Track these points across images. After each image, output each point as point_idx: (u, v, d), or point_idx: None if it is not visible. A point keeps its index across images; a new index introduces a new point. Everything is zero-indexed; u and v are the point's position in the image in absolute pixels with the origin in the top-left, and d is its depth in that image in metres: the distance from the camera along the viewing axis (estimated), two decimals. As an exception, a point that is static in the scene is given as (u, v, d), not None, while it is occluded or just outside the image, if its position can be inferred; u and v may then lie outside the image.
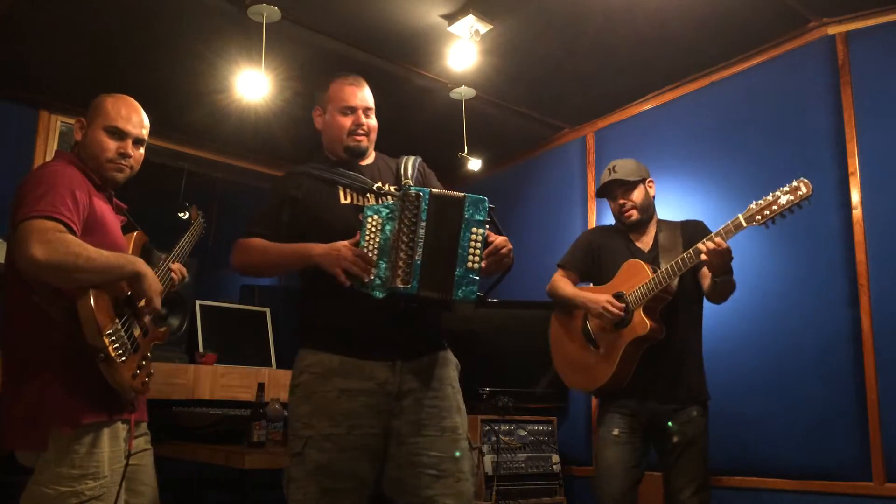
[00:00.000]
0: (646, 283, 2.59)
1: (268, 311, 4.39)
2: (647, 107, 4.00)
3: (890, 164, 3.02)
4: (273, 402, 3.10)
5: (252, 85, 3.34)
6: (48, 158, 3.89)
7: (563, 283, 2.86)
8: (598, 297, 2.69)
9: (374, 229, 1.93)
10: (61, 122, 3.99)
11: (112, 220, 2.05)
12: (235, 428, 3.13)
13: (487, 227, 1.93)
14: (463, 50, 3.31)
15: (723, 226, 2.44)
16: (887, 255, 2.98)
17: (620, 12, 3.15)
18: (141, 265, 1.91)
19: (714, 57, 3.58)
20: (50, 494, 1.77)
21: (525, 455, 3.70)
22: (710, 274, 2.58)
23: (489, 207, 1.93)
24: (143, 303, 1.96)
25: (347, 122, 2.15)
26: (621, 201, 2.79)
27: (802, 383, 3.09)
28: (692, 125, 3.74)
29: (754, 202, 2.38)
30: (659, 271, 2.57)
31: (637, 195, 2.78)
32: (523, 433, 3.75)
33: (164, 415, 3.27)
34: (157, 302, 1.95)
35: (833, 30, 3.25)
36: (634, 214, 2.76)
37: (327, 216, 2.05)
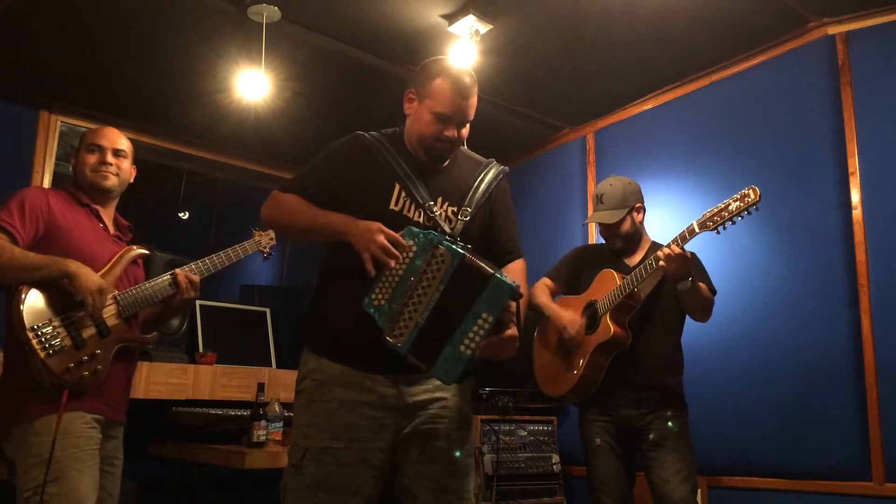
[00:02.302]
0: (613, 290, 2.64)
1: (268, 311, 4.39)
2: (647, 107, 4.00)
3: (890, 164, 3.02)
4: (273, 402, 3.10)
5: (252, 85, 3.34)
6: (48, 158, 3.90)
7: (540, 292, 2.90)
8: (565, 313, 2.75)
9: (405, 253, 1.80)
10: (61, 122, 3.99)
11: (86, 232, 2.22)
12: (235, 428, 3.13)
13: (503, 314, 1.74)
14: (463, 50, 3.31)
15: (678, 233, 2.48)
16: (887, 255, 2.98)
17: (620, 12, 3.15)
18: (69, 265, 2.05)
19: (714, 57, 3.58)
20: (21, 483, 2.01)
21: (525, 455, 3.70)
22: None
23: (513, 295, 1.73)
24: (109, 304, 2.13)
25: (437, 129, 1.93)
26: (605, 233, 2.83)
27: (802, 383, 3.09)
28: (692, 125, 3.74)
29: (708, 210, 2.45)
30: (625, 278, 2.62)
31: (625, 227, 2.78)
32: (523, 433, 3.75)
33: (164, 415, 3.27)
34: (88, 300, 2.05)
35: (833, 30, 3.25)
36: (618, 243, 2.81)
37: (373, 214, 1.88)
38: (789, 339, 3.16)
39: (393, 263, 1.77)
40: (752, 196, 2.37)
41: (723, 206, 2.42)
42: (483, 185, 2.03)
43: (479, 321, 1.71)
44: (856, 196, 3.09)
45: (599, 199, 2.81)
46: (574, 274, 2.91)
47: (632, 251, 2.82)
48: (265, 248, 2.63)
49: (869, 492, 2.90)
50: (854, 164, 3.11)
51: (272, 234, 2.64)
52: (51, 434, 1.98)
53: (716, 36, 3.36)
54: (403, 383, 1.88)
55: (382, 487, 1.89)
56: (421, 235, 1.81)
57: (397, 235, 1.79)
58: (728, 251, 3.42)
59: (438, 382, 1.91)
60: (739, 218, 2.39)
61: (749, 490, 3.23)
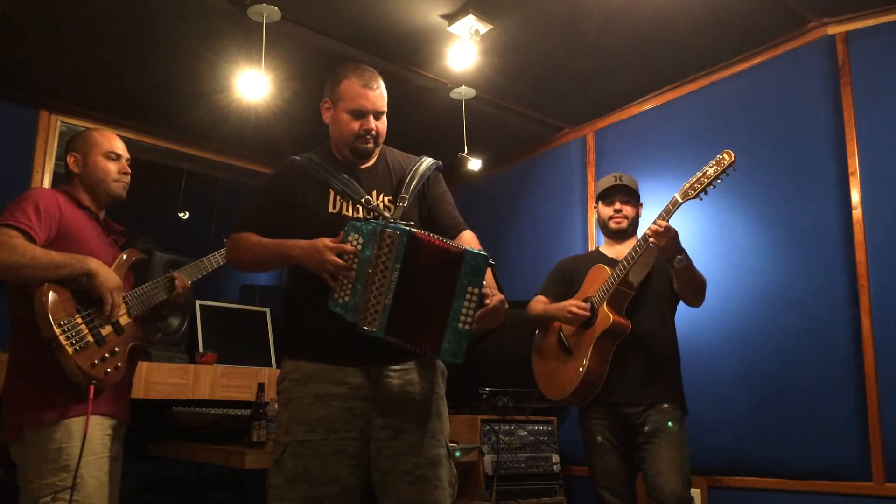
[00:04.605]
0: (607, 280, 2.69)
1: (268, 311, 4.38)
2: (647, 107, 4.00)
3: (890, 164, 3.02)
4: (273, 402, 3.10)
5: (252, 85, 3.34)
6: (48, 158, 3.90)
7: (535, 304, 2.95)
8: (564, 303, 2.79)
9: (353, 248, 1.90)
10: (61, 122, 3.98)
11: (92, 235, 2.25)
12: (235, 428, 3.13)
13: (485, 284, 1.84)
14: (463, 50, 3.31)
15: (663, 208, 2.56)
16: (887, 255, 2.98)
17: (620, 12, 3.15)
18: (91, 263, 2.08)
19: (714, 57, 3.58)
20: (32, 487, 2.00)
21: (525, 455, 3.70)
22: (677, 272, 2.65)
23: (487, 262, 1.84)
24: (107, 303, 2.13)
25: (356, 125, 2.08)
26: (618, 206, 2.88)
27: (802, 383, 3.09)
28: (692, 125, 3.74)
29: (686, 181, 2.55)
30: (618, 264, 2.67)
31: (632, 210, 2.91)
32: (523, 433, 3.75)
33: (164, 415, 3.27)
34: (108, 297, 2.09)
35: (833, 30, 3.25)
36: (624, 223, 2.88)
37: (315, 221, 2.02)
38: (789, 338, 3.16)
39: (344, 273, 1.88)
40: (728, 158, 2.48)
41: (700, 173, 2.52)
42: (417, 175, 2.14)
43: (468, 296, 1.83)
44: (856, 196, 3.09)
45: (618, 178, 2.90)
46: (563, 283, 2.95)
47: (620, 246, 2.88)
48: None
49: (869, 492, 2.90)
50: (854, 164, 3.11)
51: None
52: (70, 440, 2.00)
53: (716, 36, 3.36)
54: (375, 374, 1.97)
55: (363, 480, 1.97)
56: (364, 227, 1.90)
57: (343, 245, 1.88)
58: (728, 251, 3.43)
59: (409, 376, 2.01)
60: (718, 181, 2.49)
61: (749, 490, 3.22)
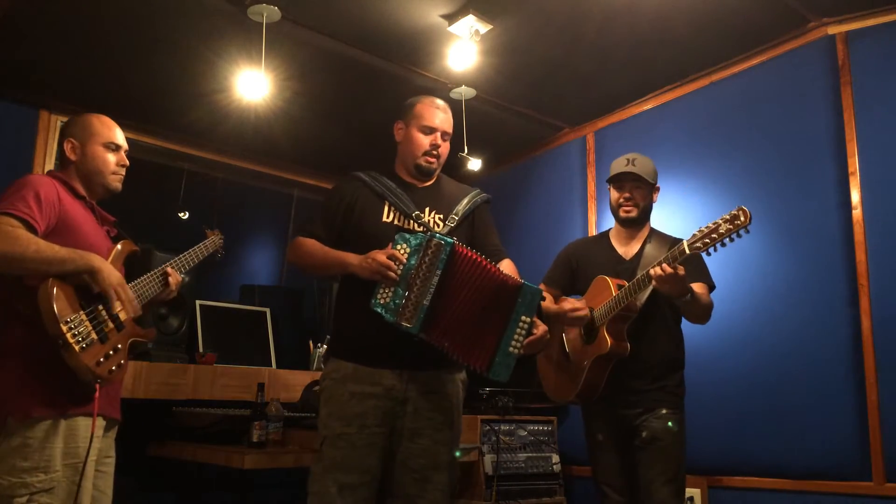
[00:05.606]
0: (608, 301, 2.60)
1: (268, 311, 4.38)
2: (647, 107, 4.00)
3: (890, 164, 3.02)
4: (273, 402, 3.10)
5: (252, 85, 3.34)
6: (48, 158, 3.90)
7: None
8: (565, 303, 2.73)
9: (400, 256, 2.09)
10: (61, 122, 3.98)
11: (89, 225, 2.19)
12: (235, 428, 3.13)
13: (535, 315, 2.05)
14: (463, 50, 3.31)
15: (669, 252, 2.44)
16: (887, 255, 2.98)
17: (620, 12, 3.15)
18: (94, 259, 2.02)
19: (714, 57, 3.59)
20: (3, 484, 1.89)
21: (525, 455, 3.70)
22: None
23: (542, 296, 2.07)
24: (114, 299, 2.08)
25: (426, 141, 2.33)
26: (627, 194, 2.75)
27: (803, 383, 3.09)
28: (692, 125, 3.74)
29: (698, 229, 2.38)
30: (620, 290, 2.57)
31: (643, 196, 2.76)
32: (523, 433, 3.75)
33: (164, 415, 3.27)
34: (112, 294, 2.03)
35: (833, 30, 3.25)
36: (634, 212, 2.75)
37: (369, 229, 2.25)
38: (789, 338, 3.16)
39: (392, 274, 2.07)
40: (743, 218, 2.30)
41: (713, 226, 2.35)
42: (467, 201, 2.38)
43: (521, 323, 2.04)
44: (856, 196, 3.09)
45: (630, 162, 2.73)
46: (568, 272, 2.90)
47: (630, 236, 2.80)
48: (219, 246, 2.71)
49: (869, 492, 2.90)
50: (854, 164, 3.11)
51: (220, 234, 2.75)
52: (55, 440, 1.93)
53: (716, 36, 3.37)
54: (407, 378, 2.18)
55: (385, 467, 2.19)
56: (412, 239, 2.10)
57: (392, 251, 2.09)
58: (727, 251, 3.38)
59: (436, 384, 2.22)
60: (730, 240, 2.33)
61: (749, 490, 3.23)
